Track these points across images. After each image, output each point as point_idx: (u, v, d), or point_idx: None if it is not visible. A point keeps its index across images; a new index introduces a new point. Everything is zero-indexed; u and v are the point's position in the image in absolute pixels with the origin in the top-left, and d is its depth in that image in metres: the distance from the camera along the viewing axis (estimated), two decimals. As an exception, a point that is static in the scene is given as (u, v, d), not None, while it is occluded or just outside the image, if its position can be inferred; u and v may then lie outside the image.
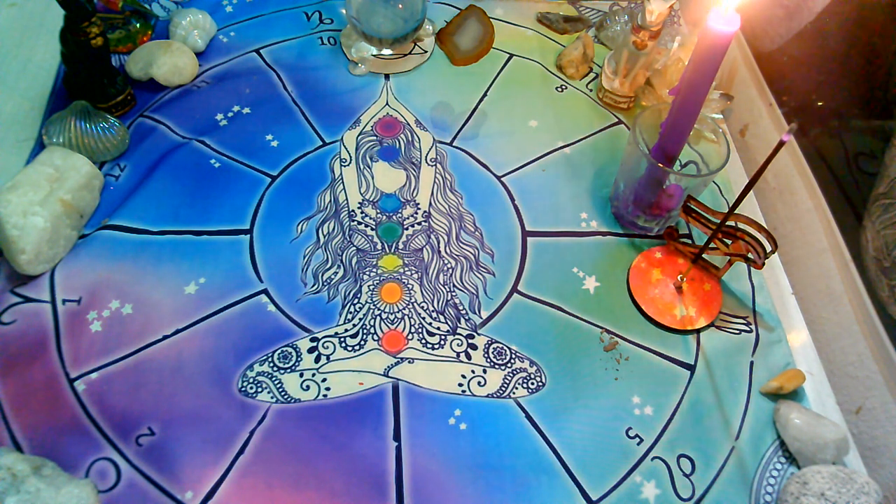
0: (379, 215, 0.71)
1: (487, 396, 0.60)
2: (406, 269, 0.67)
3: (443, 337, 0.63)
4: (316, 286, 0.65)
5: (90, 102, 0.71)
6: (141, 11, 0.82)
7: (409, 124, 0.78)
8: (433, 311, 0.65)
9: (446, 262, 0.68)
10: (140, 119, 0.75)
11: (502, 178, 0.75)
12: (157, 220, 0.68)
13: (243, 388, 0.59)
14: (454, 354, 0.62)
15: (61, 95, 0.76)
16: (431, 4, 0.89)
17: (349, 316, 0.64)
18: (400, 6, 0.81)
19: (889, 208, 0.60)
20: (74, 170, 0.65)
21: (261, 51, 0.83)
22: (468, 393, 0.60)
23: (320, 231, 0.69)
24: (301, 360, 0.61)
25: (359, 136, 0.77)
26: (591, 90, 0.83)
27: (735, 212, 0.57)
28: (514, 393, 0.60)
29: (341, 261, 0.67)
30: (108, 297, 0.63)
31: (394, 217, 0.71)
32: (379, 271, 0.67)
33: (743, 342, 0.65)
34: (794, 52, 0.76)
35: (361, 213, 0.70)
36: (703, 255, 0.66)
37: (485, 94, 0.82)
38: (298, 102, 0.79)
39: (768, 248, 0.60)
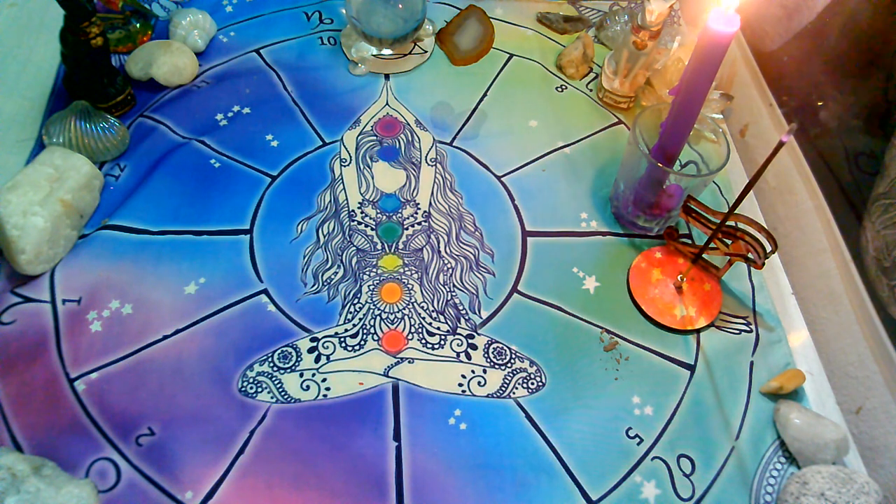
0: (379, 215, 0.71)
1: (487, 396, 0.60)
2: (406, 269, 0.67)
3: (443, 337, 0.63)
4: (316, 286, 0.65)
5: (90, 102, 0.71)
6: (141, 11, 0.82)
7: (409, 124, 0.78)
8: (433, 311, 0.65)
9: (446, 262, 0.68)
10: (140, 119, 0.75)
11: (502, 178, 0.75)
12: (157, 220, 0.68)
13: (243, 388, 0.59)
14: (454, 354, 0.62)
15: (61, 95, 0.76)
16: (431, 4, 0.89)
17: (349, 316, 0.64)
18: (400, 6, 0.81)
19: (889, 208, 0.60)
20: (74, 170, 0.65)
21: (261, 51, 0.83)
22: (468, 393, 0.60)
23: (320, 231, 0.69)
24: (301, 360, 0.61)
25: (359, 136, 0.77)
26: (591, 90, 0.83)
27: (735, 212, 0.57)
28: (514, 393, 0.60)
29: (341, 261, 0.67)
30: (108, 297, 0.63)
31: (394, 217, 0.71)
32: (379, 271, 0.67)
33: (743, 342, 0.65)
34: (794, 52, 0.76)
35: (361, 213, 0.70)
36: (703, 255, 0.66)
37: (485, 94, 0.82)
38: (298, 102, 0.79)
39: (768, 248, 0.60)
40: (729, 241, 0.63)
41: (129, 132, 0.74)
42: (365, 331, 0.63)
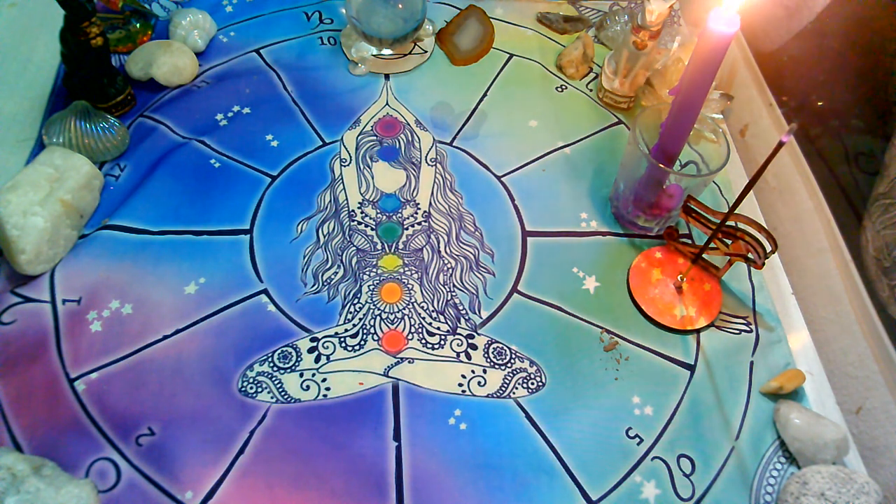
0: (379, 215, 0.71)
1: (487, 396, 0.60)
2: (406, 269, 0.67)
3: (443, 337, 0.63)
4: (316, 286, 0.65)
5: (90, 102, 0.71)
6: (141, 11, 0.82)
7: (409, 124, 0.78)
8: (433, 311, 0.65)
9: (446, 262, 0.68)
10: (140, 119, 0.75)
11: (502, 178, 0.75)
12: (157, 220, 0.68)
13: (243, 388, 0.59)
14: (454, 354, 0.62)
15: (61, 95, 0.76)
16: (431, 4, 0.89)
17: (349, 316, 0.64)
18: (400, 6, 0.81)
19: (889, 208, 0.60)
20: (74, 170, 0.65)
21: (261, 51, 0.83)
22: (468, 393, 0.60)
23: (320, 231, 0.69)
24: (301, 360, 0.61)
25: (359, 136, 0.77)
26: (591, 90, 0.83)
27: (735, 212, 0.57)
28: (514, 393, 0.60)
29: (341, 261, 0.67)
30: (108, 297, 0.63)
31: (394, 217, 0.71)
32: (379, 271, 0.67)
33: (743, 342, 0.65)
34: (794, 52, 0.76)
35: (361, 213, 0.70)
36: (703, 255, 0.66)
37: (485, 94, 0.82)
38: (298, 102, 0.79)
39: (768, 248, 0.60)
40: (729, 241, 0.63)
41: (129, 132, 0.74)
42: (365, 331, 0.63)
